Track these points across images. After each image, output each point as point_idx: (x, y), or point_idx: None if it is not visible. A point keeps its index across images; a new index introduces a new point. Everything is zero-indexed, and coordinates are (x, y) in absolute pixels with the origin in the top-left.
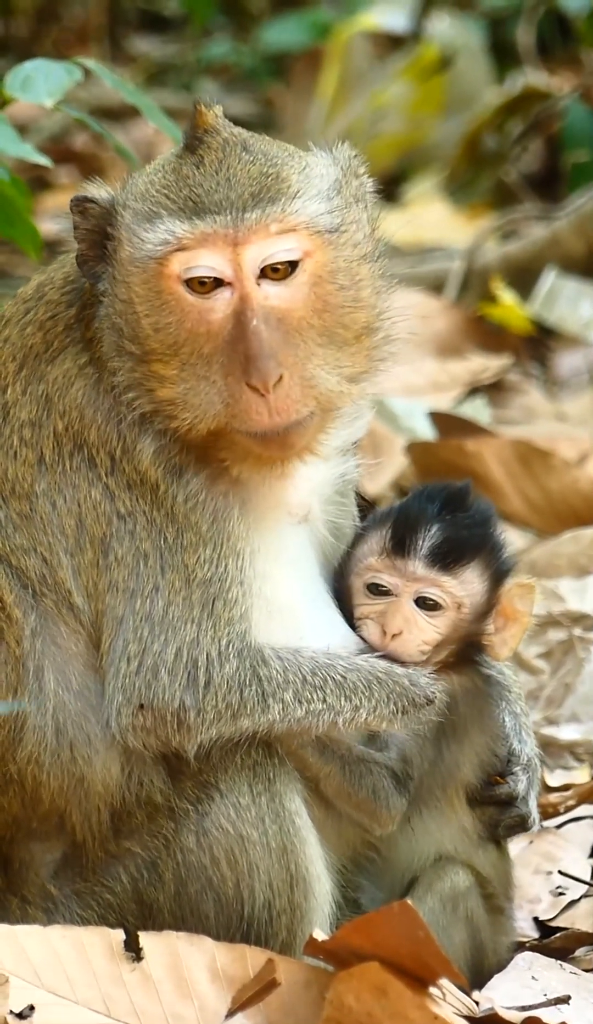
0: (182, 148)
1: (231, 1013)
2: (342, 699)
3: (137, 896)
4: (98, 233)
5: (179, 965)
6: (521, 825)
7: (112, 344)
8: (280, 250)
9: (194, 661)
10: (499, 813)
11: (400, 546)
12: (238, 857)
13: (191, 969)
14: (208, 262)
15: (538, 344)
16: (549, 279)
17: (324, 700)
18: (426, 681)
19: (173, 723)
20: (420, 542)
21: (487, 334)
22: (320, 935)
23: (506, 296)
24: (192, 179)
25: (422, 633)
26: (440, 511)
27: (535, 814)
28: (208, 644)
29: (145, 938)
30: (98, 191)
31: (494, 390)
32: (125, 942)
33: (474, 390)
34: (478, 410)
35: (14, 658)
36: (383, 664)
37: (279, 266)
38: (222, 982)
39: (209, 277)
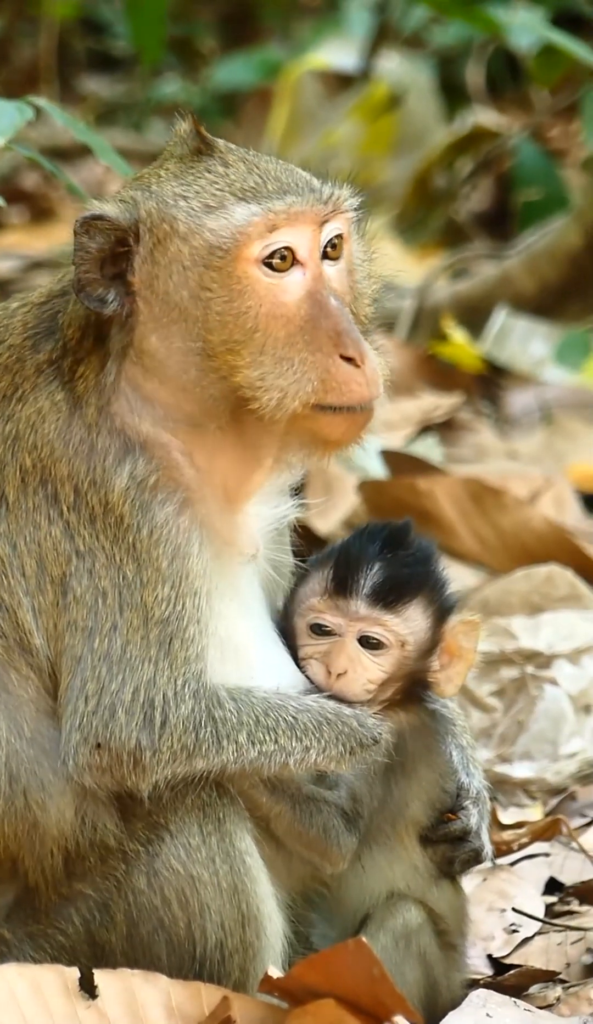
0: (190, 155)
1: None
2: (294, 740)
3: (90, 937)
4: (106, 253)
5: (134, 1003)
6: (475, 859)
7: (153, 354)
8: (337, 230)
9: (151, 701)
10: (453, 849)
11: (342, 586)
12: (189, 897)
13: (146, 1007)
14: (292, 239)
15: (489, 382)
16: (500, 318)
17: (276, 741)
18: (373, 722)
19: (129, 763)
20: (361, 581)
21: (438, 372)
22: (275, 972)
23: (457, 335)
24: (238, 171)
25: (367, 672)
26: (381, 550)
27: (488, 847)
28: (164, 684)
29: (100, 976)
30: (107, 208)
31: (446, 428)
32: (80, 980)
33: (426, 428)
34: (430, 448)
35: None
36: (332, 705)
37: (336, 242)
38: (177, 1020)
39: (289, 255)
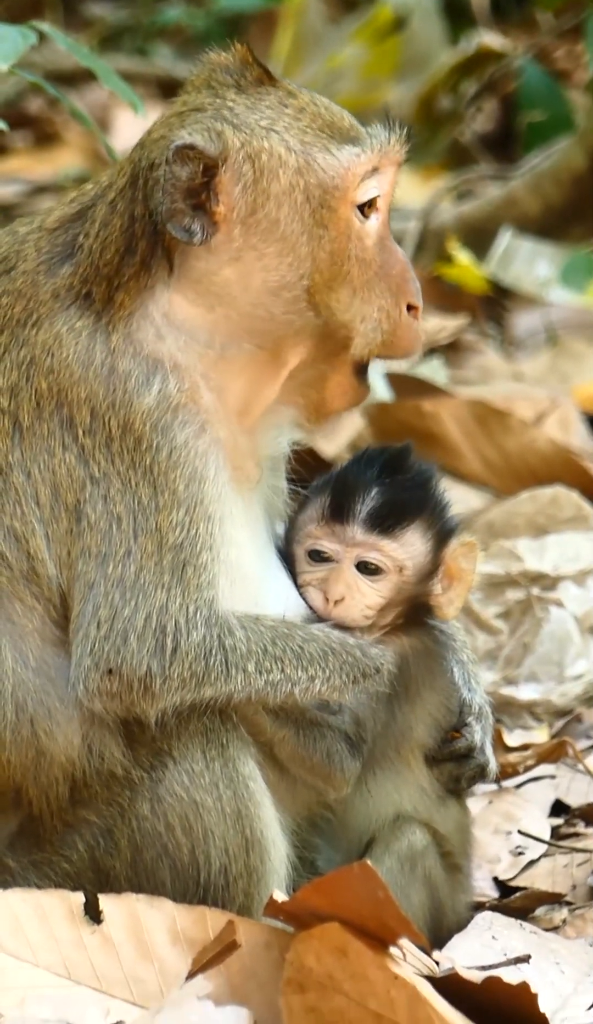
0: (252, 86)
1: (191, 975)
2: (299, 670)
3: (94, 864)
4: (194, 183)
5: (139, 928)
6: (481, 775)
7: (221, 283)
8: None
9: (163, 627)
10: (458, 767)
11: (338, 512)
12: (193, 823)
13: (151, 932)
14: (382, 185)
15: (494, 304)
16: (505, 239)
17: (283, 671)
18: (376, 652)
19: (139, 689)
20: (358, 507)
21: (443, 294)
22: (280, 896)
23: (462, 256)
24: (315, 108)
25: (364, 598)
26: (379, 474)
27: (493, 762)
28: (177, 611)
29: (105, 901)
30: (197, 138)
31: (451, 350)
32: (85, 905)
33: (431, 350)
34: (435, 371)
35: None
36: (337, 634)
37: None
38: (182, 944)
39: (375, 201)
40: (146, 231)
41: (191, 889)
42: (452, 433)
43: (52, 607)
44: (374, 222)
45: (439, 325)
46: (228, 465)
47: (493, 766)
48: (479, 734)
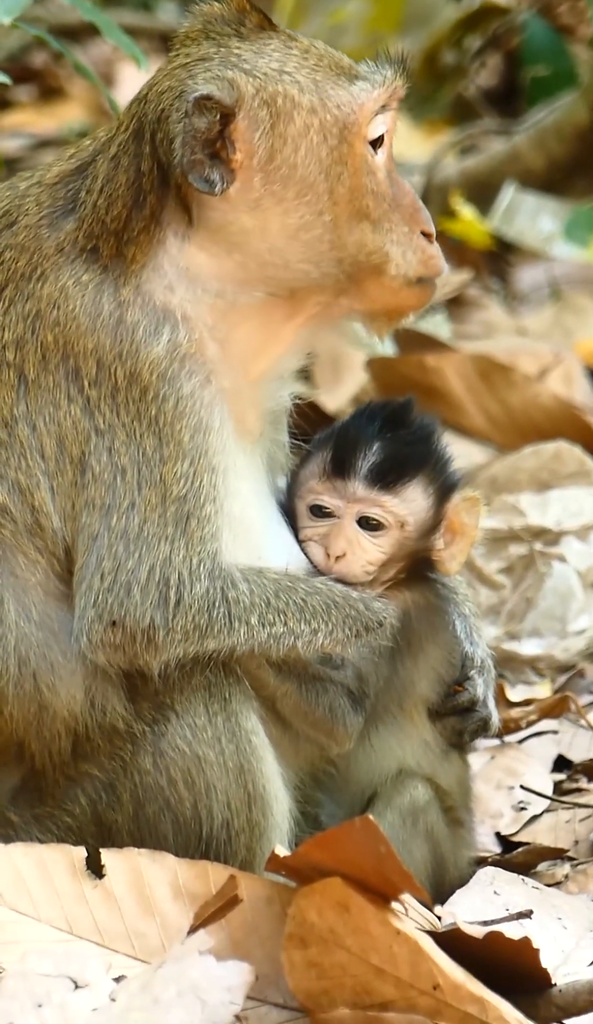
0: (253, 32)
1: (193, 929)
2: (302, 623)
3: (96, 818)
4: (213, 133)
5: (141, 882)
6: (484, 728)
7: (238, 231)
8: None
9: (166, 580)
10: (461, 721)
11: (340, 467)
12: (195, 777)
13: (153, 886)
14: (388, 121)
15: (498, 259)
16: (508, 194)
17: (286, 624)
18: (379, 605)
19: (142, 641)
20: (359, 462)
21: (447, 249)
22: (282, 851)
23: (465, 211)
24: (317, 49)
25: (366, 554)
26: (380, 429)
27: (495, 715)
28: (180, 563)
29: (107, 855)
30: (212, 88)
31: (454, 305)
32: (87, 860)
33: (434, 305)
34: (438, 325)
35: None
36: (340, 588)
37: None
38: (184, 899)
39: (383, 136)
40: (155, 185)
41: (193, 844)
42: (455, 388)
43: (56, 561)
44: (382, 156)
45: (442, 280)
46: (232, 417)
47: (495, 720)
48: (482, 688)
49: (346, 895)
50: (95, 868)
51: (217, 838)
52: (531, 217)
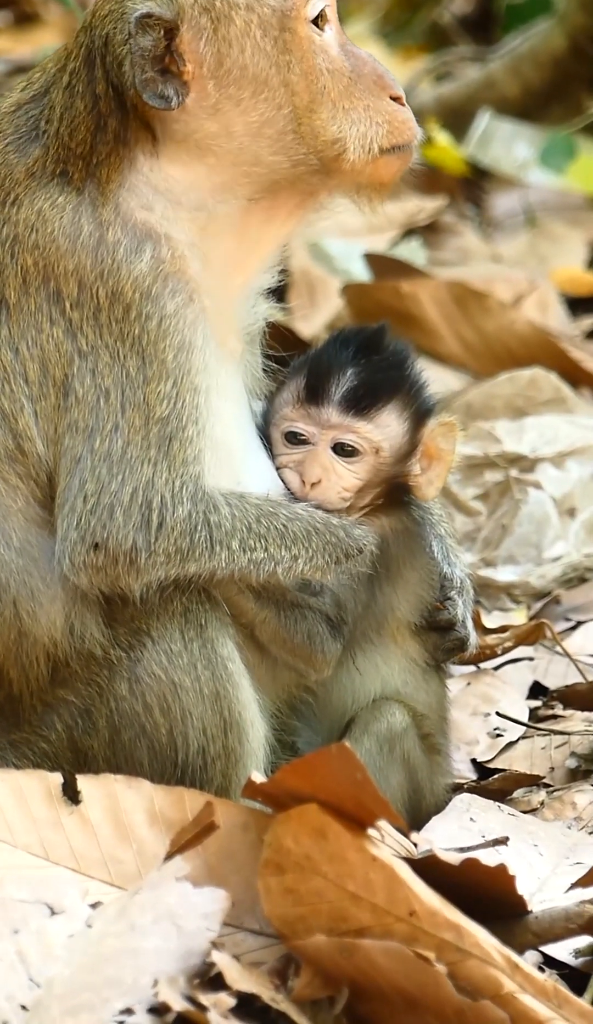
0: None
1: (169, 856)
2: (283, 549)
3: (72, 744)
4: (160, 49)
5: (117, 808)
6: (461, 647)
7: (205, 140)
8: None
9: (148, 502)
10: (439, 640)
11: (313, 394)
12: (171, 703)
13: (129, 812)
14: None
15: (473, 185)
16: (484, 121)
17: (266, 549)
18: (360, 532)
19: (124, 563)
20: (333, 388)
21: (422, 175)
22: (258, 778)
23: (441, 137)
24: None
25: (341, 480)
26: (353, 355)
27: (473, 636)
28: (162, 486)
29: (83, 781)
30: (150, 5)
31: (429, 232)
32: (63, 786)
33: (409, 232)
34: (413, 252)
35: None
36: (321, 514)
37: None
38: (160, 825)
39: (324, 12)
40: (113, 107)
41: (169, 770)
42: (430, 314)
43: (37, 487)
44: (330, 32)
45: (418, 206)
46: (214, 336)
47: (473, 640)
48: (460, 608)
49: (322, 822)
50: (71, 794)
51: (193, 764)
52: (506, 144)
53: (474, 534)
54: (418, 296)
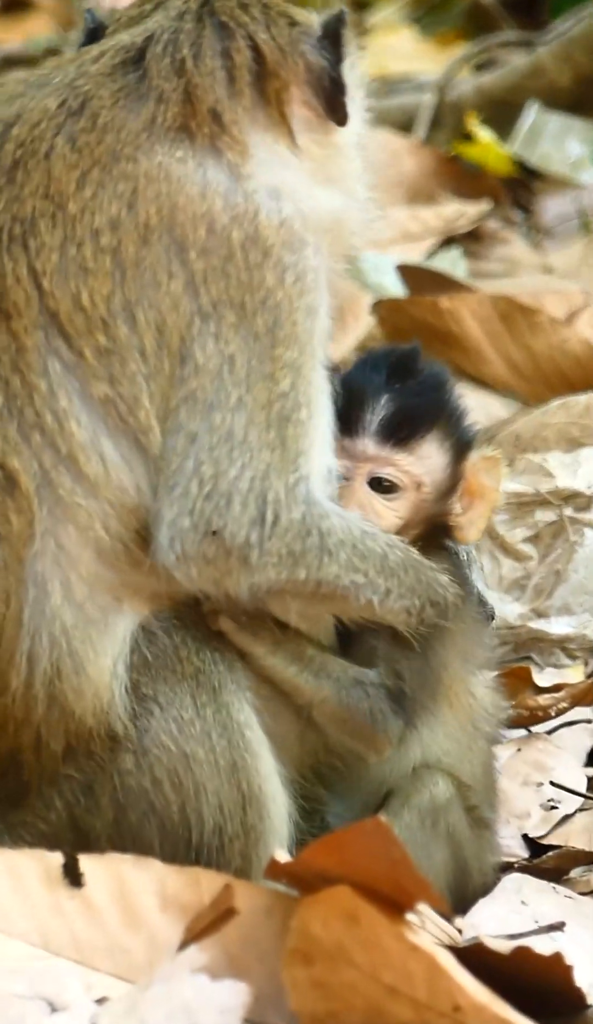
0: None
1: (184, 944)
2: (382, 577)
3: (73, 823)
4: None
5: (125, 891)
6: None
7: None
8: None
9: (264, 495)
10: None
11: (346, 424)
12: (182, 777)
13: (138, 896)
14: None
15: (520, 187)
16: (531, 114)
17: (366, 574)
18: (446, 580)
19: (238, 557)
20: (368, 417)
21: (462, 176)
22: (282, 856)
23: (483, 133)
24: None
25: (380, 519)
26: (387, 380)
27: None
28: (276, 479)
29: (86, 861)
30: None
31: (471, 240)
32: (64, 866)
33: (449, 240)
34: (453, 262)
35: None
36: (412, 550)
37: None
38: (174, 910)
39: None
40: (252, 78)
41: (181, 852)
42: (473, 333)
43: (132, 518)
44: None
45: (458, 211)
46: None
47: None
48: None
49: (355, 905)
50: (73, 876)
51: (208, 845)
52: (557, 140)
53: (523, 581)
54: (459, 312)
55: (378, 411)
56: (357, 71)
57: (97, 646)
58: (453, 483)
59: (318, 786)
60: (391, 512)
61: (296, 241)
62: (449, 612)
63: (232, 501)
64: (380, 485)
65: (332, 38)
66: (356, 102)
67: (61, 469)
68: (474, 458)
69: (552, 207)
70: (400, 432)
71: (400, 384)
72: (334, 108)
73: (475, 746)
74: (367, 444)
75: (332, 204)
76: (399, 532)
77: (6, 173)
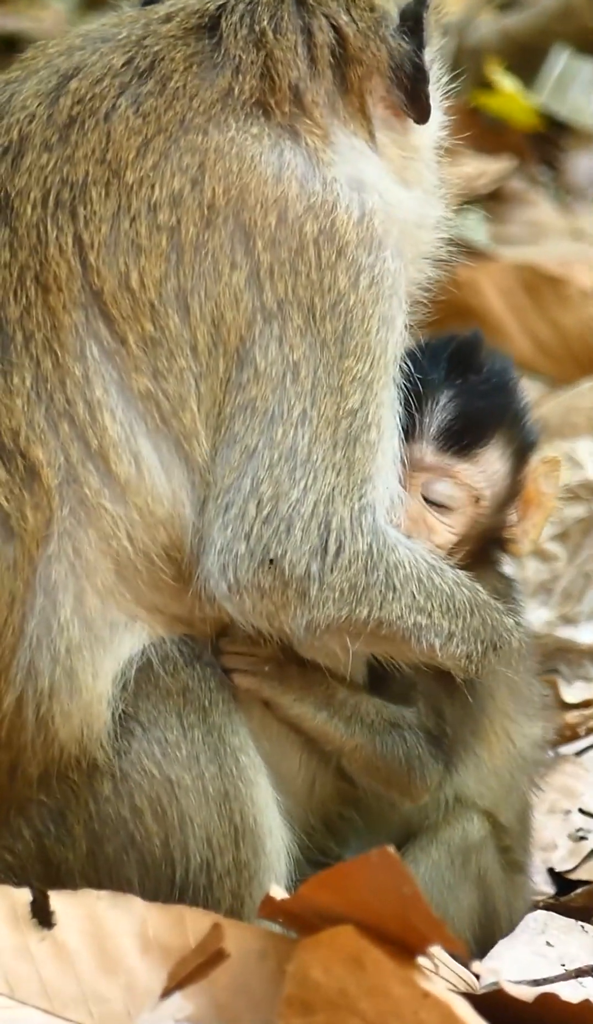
0: None
1: (167, 991)
2: (446, 619)
3: (42, 855)
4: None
5: (101, 932)
6: None
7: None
8: None
9: (328, 523)
10: None
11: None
12: (166, 806)
13: (116, 937)
14: None
15: (547, 142)
16: (560, 61)
17: (430, 615)
18: (511, 622)
19: (295, 590)
20: (426, 420)
21: (483, 131)
22: (278, 893)
23: (506, 82)
24: None
25: (432, 534)
26: (446, 376)
27: None
28: (341, 505)
29: (58, 899)
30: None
31: (493, 201)
32: (32, 904)
33: (468, 202)
34: (474, 227)
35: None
36: (478, 587)
37: None
38: (155, 953)
39: None
40: (333, 61)
41: (164, 890)
42: (494, 306)
43: (164, 532)
44: None
45: (478, 169)
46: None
47: None
48: None
49: (360, 947)
50: (43, 915)
51: (195, 883)
52: (588, 89)
53: (550, 584)
54: (478, 283)
55: (437, 414)
56: (437, 65)
57: (98, 668)
58: (513, 493)
59: (329, 839)
60: (445, 528)
61: (374, 241)
62: (512, 659)
63: (293, 527)
64: (436, 498)
65: (413, 23)
66: (435, 100)
67: (89, 466)
68: (534, 462)
69: (583, 165)
70: (462, 439)
71: (462, 381)
72: (415, 99)
73: (515, 785)
74: (424, 451)
75: (414, 205)
76: (451, 550)
77: (60, 130)
